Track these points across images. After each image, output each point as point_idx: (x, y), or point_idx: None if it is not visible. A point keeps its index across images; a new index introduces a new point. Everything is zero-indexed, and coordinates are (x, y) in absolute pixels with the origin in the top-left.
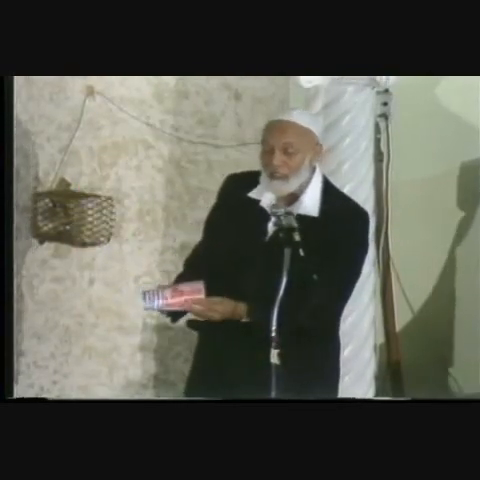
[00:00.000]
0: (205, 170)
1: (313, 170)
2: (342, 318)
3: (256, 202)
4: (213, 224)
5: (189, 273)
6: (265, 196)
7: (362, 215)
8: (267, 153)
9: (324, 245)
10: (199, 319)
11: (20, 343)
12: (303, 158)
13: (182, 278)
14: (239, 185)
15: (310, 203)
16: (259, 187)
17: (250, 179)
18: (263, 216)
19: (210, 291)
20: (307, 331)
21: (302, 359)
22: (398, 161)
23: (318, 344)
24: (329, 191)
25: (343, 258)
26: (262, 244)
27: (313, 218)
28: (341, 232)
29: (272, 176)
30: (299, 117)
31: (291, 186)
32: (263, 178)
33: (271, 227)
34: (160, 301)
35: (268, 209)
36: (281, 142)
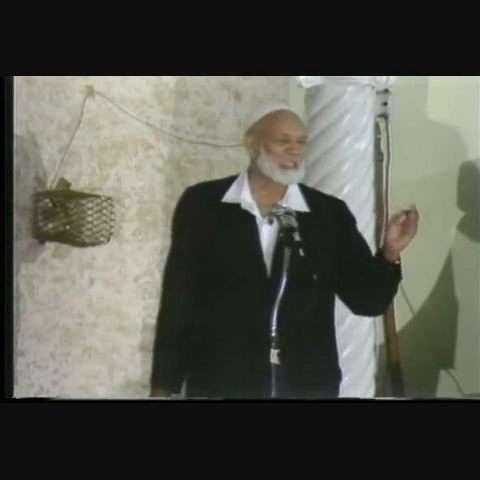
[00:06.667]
0: (205, 170)
1: None
2: (342, 318)
3: (235, 206)
4: (189, 242)
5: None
6: (243, 199)
7: (344, 204)
8: (283, 142)
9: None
10: None
11: (20, 343)
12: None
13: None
14: (206, 195)
15: (296, 198)
16: (231, 190)
17: (211, 188)
18: (250, 219)
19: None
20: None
21: (301, 360)
22: (398, 161)
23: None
24: (302, 187)
25: (358, 243)
26: (260, 249)
27: (306, 213)
28: (340, 221)
29: (286, 166)
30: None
31: (300, 175)
32: (271, 168)
33: (266, 229)
34: None
35: (253, 211)
36: (299, 134)
